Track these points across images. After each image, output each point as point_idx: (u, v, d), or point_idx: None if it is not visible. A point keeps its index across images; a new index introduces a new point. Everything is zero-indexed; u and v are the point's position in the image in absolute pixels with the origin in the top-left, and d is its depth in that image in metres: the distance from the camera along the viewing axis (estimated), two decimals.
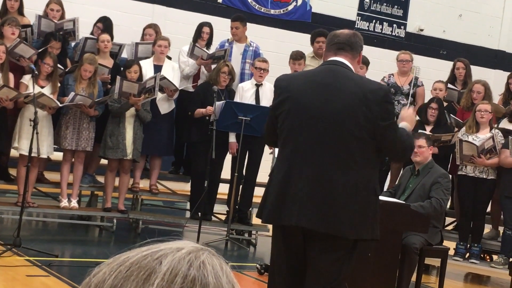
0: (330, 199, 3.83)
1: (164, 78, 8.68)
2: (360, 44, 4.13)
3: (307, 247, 3.96)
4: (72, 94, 8.04)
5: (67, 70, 8.53)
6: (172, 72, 8.98)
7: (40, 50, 8.12)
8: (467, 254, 8.62)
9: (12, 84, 7.89)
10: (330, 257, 3.92)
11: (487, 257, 9.20)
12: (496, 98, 9.50)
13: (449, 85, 9.39)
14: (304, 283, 4.01)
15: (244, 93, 8.93)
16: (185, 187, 10.21)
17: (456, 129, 8.87)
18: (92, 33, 9.29)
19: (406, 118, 4.48)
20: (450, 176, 8.72)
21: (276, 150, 8.49)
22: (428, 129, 8.65)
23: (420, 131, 8.43)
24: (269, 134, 4.24)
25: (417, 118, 9.02)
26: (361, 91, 3.91)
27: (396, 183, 7.94)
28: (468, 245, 8.61)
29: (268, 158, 9.28)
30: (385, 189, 8.73)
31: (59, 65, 8.26)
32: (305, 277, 4.00)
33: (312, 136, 3.90)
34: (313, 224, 3.84)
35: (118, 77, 8.40)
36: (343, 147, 3.87)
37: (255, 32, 11.57)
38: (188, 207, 9.92)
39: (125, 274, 0.99)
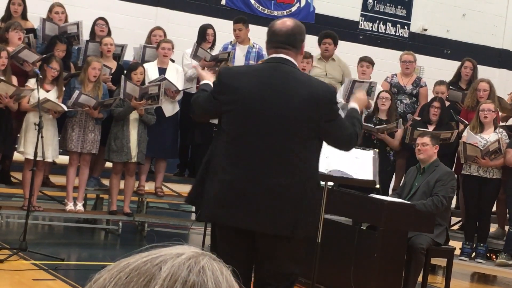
0: (275, 202, 3.89)
1: (165, 79, 8.69)
2: (301, 37, 4.05)
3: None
4: (76, 92, 8.05)
5: (72, 74, 8.54)
6: (176, 75, 8.99)
7: (45, 56, 8.13)
8: (473, 254, 8.61)
9: None
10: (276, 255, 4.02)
11: (493, 256, 9.18)
12: (503, 97, 9.48)
13: (451, 87, 9.37)
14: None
15: None
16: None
17: (457, 128, 8.87)
18: (93, 32, 9.28)
19: (358, 100, 4.49)
20: (456, 175, 8.73)
21: None
22: (430, 129, 8.63)
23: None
24: (204, 113, 4.29)
25: (419, 118, 9.05)
26: (308, 93, 3.92)
27: (401, 183, 7.94)
28: (474, 245, 8.59)
29: None
30: (390, 190, 8.75)
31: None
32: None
33: (258, 140, 3.93)
34: (261, 226, 3.90)
35: (123, 77, 8.42)
36: (288, 150, 3.91)
37: (258, 34, 11.52)
38: (193, 209, 9.91)
39: (125, 280, 1.00)
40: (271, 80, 3.96)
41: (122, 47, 9.35)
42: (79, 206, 8.56)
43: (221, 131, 4.10)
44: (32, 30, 8.76)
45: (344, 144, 4.20)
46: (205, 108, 4.19)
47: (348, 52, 11.90)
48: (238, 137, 3.99)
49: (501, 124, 8.74)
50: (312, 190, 3.98)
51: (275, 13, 14.36)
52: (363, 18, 15.28)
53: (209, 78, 4.52)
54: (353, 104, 4.38)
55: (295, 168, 3.91)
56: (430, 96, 9.38)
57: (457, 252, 8.05)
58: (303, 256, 4.12)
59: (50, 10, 9.11)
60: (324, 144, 4.51)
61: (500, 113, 9.01)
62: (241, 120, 3.98)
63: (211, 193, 4.02)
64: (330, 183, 6.00)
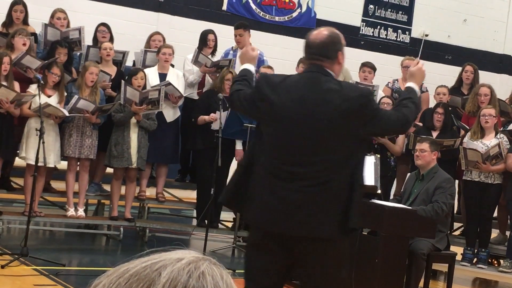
0: (312, 208, 3.87)
1: (170, 84, 8.70)
2: (334, 47, 4.06)
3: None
4: (75, 97, 8.05)
5: (75, 79, 8.55)
6: (176, 80, 8.99)
7: (47, 62, 8.14)
8: (475, 259, 8.59)
9: None
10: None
11: (495, 262, 9.17)
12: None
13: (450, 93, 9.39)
14: None
15: None
16: (191, 195, 10.21)
17: (459, 134, 8.88)
18: (95, 38, 9.31)
19: (415, 74, 4.42)
20: (457, 181, 8.74)
21: None
22: (434, 135, 8.63)
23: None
24: (244, 112, 4.59)
25: (421, 124, 9.04)
26: (340, 103, 3.89)
27: (402, 190, 7.94)
28: (476, 250, 8.58)
29: None
30: (391, 195, 8.75)
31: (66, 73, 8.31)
32: None
33: (291, 153, 3.93)
34: (299, 230, 3.88)
35: (123, 82, 8.42)
36: (322, 162, 3.88)
37: (260, 39, 11.58)
38: (194, 214, 9.91)
39: (124, 286, 0.99)
40: (302, 91, 3.97)
41: (124, 54, 9.35)
42: (80, 212, 8.56)
43: (260, 136, 4.11)
44: (32, 35, 8.77)
45: (394, 131, 4.59)
46: (246, 108, 4.23)
47: (350, 58, 11.80)
48: (276, 148, 3.97)
49: (501, 129, 8.73)
50: (349, 193, 3.92)
51: (276, 18, 14.37)
52: (364, 24, 15.28)
53: (250, 62, 4.49)
54: (408, 84, 4.32)
55: (332, 176, 3.89)
56: (431, 101, 9.38)
57: (459, 257, 8.04)
58: (343, 259, 4.08)
59: (52, 16, 9.12)
60: None
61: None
62: (273, 131, 4.01)
63: (255, 198, 4.00)
64: None
